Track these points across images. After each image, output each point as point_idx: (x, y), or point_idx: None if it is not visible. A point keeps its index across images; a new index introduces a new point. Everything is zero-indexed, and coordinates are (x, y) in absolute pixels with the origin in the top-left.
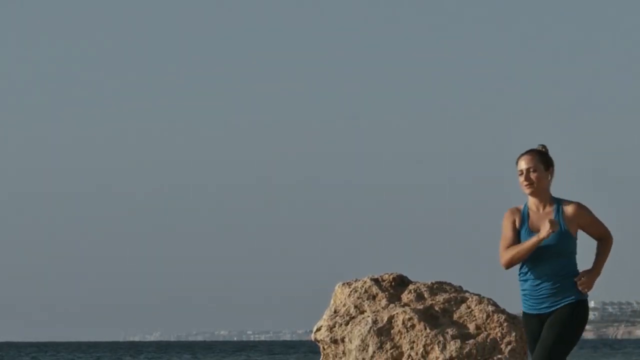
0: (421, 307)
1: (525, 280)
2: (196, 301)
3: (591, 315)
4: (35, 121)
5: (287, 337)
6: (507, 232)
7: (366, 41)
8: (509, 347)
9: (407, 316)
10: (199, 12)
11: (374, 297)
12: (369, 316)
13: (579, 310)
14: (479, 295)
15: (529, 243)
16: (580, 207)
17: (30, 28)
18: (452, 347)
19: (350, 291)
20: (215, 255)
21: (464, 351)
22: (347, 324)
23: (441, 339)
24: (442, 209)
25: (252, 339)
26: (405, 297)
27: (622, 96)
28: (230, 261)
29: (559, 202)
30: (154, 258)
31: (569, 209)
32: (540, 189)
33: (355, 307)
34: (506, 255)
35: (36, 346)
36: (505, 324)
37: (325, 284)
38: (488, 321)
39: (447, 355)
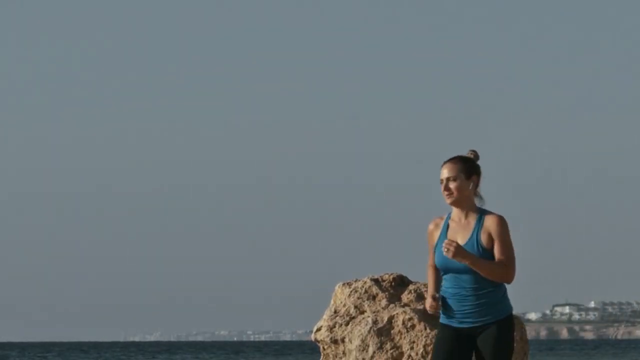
0: (421, 307)
1: (448, 294)
2: (196, 301)
3: (591, 316)
4: (35, 121)
5: (287, 337)
6: (429, 252)
7: (366, 41)
8: None
9: (407, 316)
10: (199, 12)
11: (374, 297)
12: (369, 316)
13: (506, 325)
14: None
15: (428, 289)
16: (499, 219)
17: (30, 28)
18: None
19: (350, 291)
20: (215, 255)
21: None
22: (347, 324)
23: None
24: (442, 209)
25: (252, 339)
26: (406, 297)
27: (622, 96)
28: (230, 261)
29: (482, 213)
30: (154, 258)
31: (488, 220)
32: (461, 199)
33: (355, 307)
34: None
35: (37, 346)
36: None
37: (325, 284)
38: None
39: None
